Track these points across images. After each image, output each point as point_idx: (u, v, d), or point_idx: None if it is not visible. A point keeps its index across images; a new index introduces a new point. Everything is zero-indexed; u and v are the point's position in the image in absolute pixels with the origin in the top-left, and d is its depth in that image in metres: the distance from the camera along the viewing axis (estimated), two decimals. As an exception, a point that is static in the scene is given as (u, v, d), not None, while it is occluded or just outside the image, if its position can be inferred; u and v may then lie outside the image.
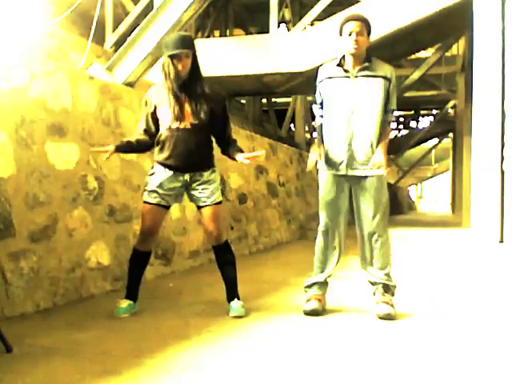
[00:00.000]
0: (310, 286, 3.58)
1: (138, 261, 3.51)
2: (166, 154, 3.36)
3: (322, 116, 3.55)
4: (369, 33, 3.38)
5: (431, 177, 43.22)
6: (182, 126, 3.32)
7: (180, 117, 3.31)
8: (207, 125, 3.39)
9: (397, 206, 28.50)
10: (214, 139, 3.54)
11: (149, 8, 9.21)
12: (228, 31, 14.19)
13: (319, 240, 3.56)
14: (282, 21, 13.13)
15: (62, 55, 8.46)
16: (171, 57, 3.28)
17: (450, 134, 26.26)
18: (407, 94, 18.76)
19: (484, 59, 5.37)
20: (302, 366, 2.47)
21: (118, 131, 4.45)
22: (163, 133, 3.36)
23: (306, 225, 9.83)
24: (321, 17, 10.17)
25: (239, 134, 7.19)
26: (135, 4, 10.83)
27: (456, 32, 13.67)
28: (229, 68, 10.64)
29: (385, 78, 3.38)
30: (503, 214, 5.15)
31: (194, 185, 3.41)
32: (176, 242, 5.26)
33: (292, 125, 16.77)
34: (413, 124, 29.61)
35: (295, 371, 2.40)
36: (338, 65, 3.42)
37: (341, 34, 3.38)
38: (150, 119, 3.43)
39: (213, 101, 3.41)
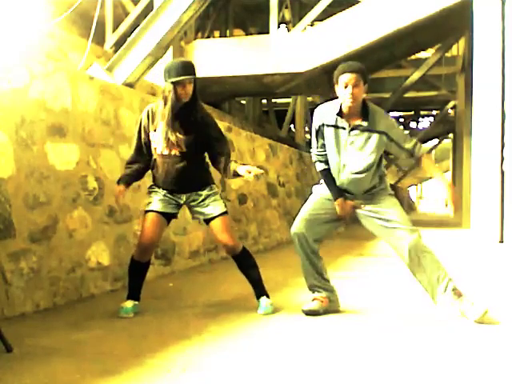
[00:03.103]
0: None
1: (138, 270, 3.51)
2: (160, 179, 3.43)
3: (321, 161, 3.53)
4: (365, 82, 3.32)
5: (431, 177, 43.21)
6: (172, 152, 3.36)
7: (171, 145, 3.34)
8: (198, 150, 3.44)
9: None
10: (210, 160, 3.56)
11: (149, 8, 9.21)
12: (228, 31, 14.18)
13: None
14: (282, 21, 13.12)
15: (61, 55, 8.46)
16: (174, 84, 3.28)
17: (450, 135, 26.28)
18: (407, 95, 18.76)
19: (484, 59, 5.38)
20: (301, 366, 2.47)
21: (118, 132, 4.46)
22: (156, 158, 3.41)
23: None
24: (321, 17, 10.17)
25: (240, 135, 7.19)
26: (135, 4, 10.83)
27: (456, 32, 13.69)
28: (229, 68, 10.64)
29: (380, 132, 3.35)
30: (503, 214, 5.16)
31: (194, 203, 3.46)
32: (176, 241, 5.26)
33: (292, 125, 16.78)
34: (413, 124, 29.62)
35: (295, 371, 2.40)
36: (337, 114, 3.37)
37: (337, 83, 3.33)
38: (143, 138, 3.44)
39: (207, 125, 3.45)
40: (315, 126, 3.48)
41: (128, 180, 3.48)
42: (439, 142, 27.91)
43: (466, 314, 3.31)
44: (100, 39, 10.23)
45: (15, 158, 3.37)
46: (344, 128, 3.37)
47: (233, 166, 3.40)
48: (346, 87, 3.27)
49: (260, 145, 7.94)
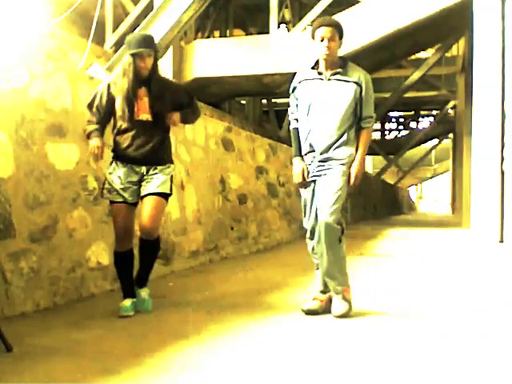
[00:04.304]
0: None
1: (122, 262, 3.50)
2: (122, 147, 3.44)
3: (296, 120, 3.58)
4: (341, 37, 3.43)
5: (431, 177, 43.24)
6: (140, 118, 3.40)
7: (126, 117, 3.37)
8: (163, 119, 3.46)
9: (397, 207, 28.53)
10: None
11: (149, 8, 9.22)
12: (228, 31, 14.19)
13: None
14: (282, 21, 13.13)
15: (61, 55, 8.45)
16: (133, 56, 3.34)
17: (450, 135, 26.28)
18: (407, 95, 18.77)
19: (484, 59, 5.38)
20: (301, 366, 2.47)
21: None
22: (121, 125, 3.42)
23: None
24: (321, 17, 10.16)
25: (240, 135, 7.19)
26: (135, 4, 10.83)
27: (456, 32, 13.70)
28: (229, 68, 10.65)
29: (356, 83, 3.42)
30: (503, 214, 5.16)
31: (147, 177, 3.45)
32: (176, 241, 5.26)
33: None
34: (413, 124, 29.64)
35: (294, 370, 2.40)
36: (312, 68, 3.48)
37: (313, 39, 3.43)
38: (105, 100, 3.44)
39: (175, 93, 3.54)
40: (293, 86, 3.56)
41: (99, 134, 3.44)
42: (439, 142, 27.90)
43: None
44: (100, 39, 10.23)
45: (15, 158, 3.37)
46: (322, 79, 3.43)
47: (180, 113, 3.52)
48: (322, 40, 3.36)
49: (260, 145, 7.94)
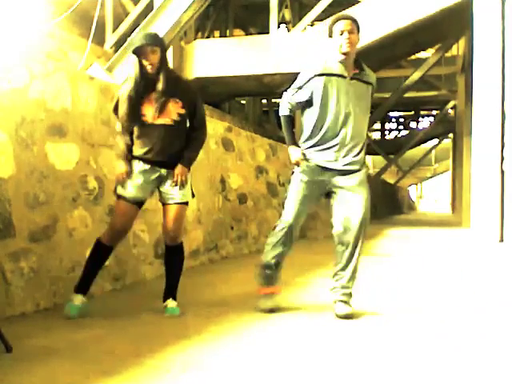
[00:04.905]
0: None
1: (100, 254, 3.41)
2: (143, 149, 3.36)
3: (291, 109, 3.50)
4: (358, 31, 3.35)
5: (431, 177, 43.25)
6: (158, 122, 3.32)
7: (129, 119, 3.31)
8: (181, 122, 3.38)
9: (397, 206, 28.52)
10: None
11: (149, 8, 9.22)
12: (228, 31, 14.19)
13: None
14: (282, 21, 13.13)
15: (61, 55, 8.46)
16: (137, 54, 3.27)
17: (450, 135, 26.28)
18: (407, 95, 18.76)
19: (484, 59, 5.37)
20: (301, 366, 2.47)
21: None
22: (140, 127, 3.36)
23: (305, 224, 9.83)
24: (321, 17, 10.18)
25: (240, 135, 7.19)
26: (135, 4, 10.83)
27: (456, 32, 13.69)
28: (229, 68, 10.65)
29: (372, 85, 3.43)
30: (503, 213, 5.15)
31: (168, 181, 3.40)
32: (176, 242, 5.25)
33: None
34: (413, 124, 29.63)
35: (294, 371, 2.40)
36: (338, 61, 3.34)
37: (331, 35, 3.33)
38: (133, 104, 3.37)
39: (185, 99, 3.39)
40: (306, 76, 3.39)
41: (125, 156, 3.40)
42: (439, 142, 27.89)
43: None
44: (100, 39, 10.23)
45: (15, 158, 3.37)
46: (344, 77, 3.34)
47: (186, 158, 3.38)
48: (341, 34, 3.26)
49: (260, 145, 7.93)
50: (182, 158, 3.40)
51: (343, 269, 3.43)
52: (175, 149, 3.39)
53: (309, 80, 3.39)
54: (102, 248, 3.41)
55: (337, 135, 3.37)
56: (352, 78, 3.35)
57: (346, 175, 3.38)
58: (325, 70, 3.36)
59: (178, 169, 3.37)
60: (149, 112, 3.33)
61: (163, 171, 3.40)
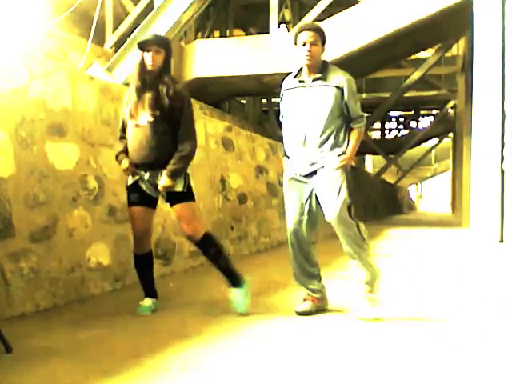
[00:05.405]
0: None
1: (142, 264, 3.57)
2: (129, 150, 3.44)
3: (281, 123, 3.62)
4: (323, 42, 3.37)
5: (431, 177, 43.26)
6: (138, 122, 3.35)
7: (133, 114, 3.36)
8: (165, 122, 3.35)
9: (397, 206, 28.52)
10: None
11: (149, 8, 9.22)
12: (228, 31, 14.18)
13: None
14: (282, 21, 13.12)
15: (61, 55, 8.46)
16: (142, 51, 3.34)
17: (450, 134, 26.28)
18: (407, 94, 18.75)
19: (484, 59, 5.37)
20: (300, 366, 2.47)
21: (117, 131, 4.44)
22: (128, 127, 3.45)
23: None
24: (321, 17, 10.17)
25: (239, 134, 7.19)
26: (135, 4, 10.83)
27: (456, 32, 13.69)
28: (229, 68, 10.65)
29: (337, 87, 3.36)
30: (503, 214, 5.15)
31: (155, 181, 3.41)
32: (176, 241, 5.26)
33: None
34: (413, 124, 29.61)
35: (294, 371, 2.40)
36: (294, 77, 3.47)
37: (296, 44, 3.38)
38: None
39: (175, 100, 3.36)
40: (281, 94, 3.56)
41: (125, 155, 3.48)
42: (439, 142, 27.89)
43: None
44: (100, 39, 10.23)
45: (15, 158, 3.37)
46: (304, 86, 3.41)
47: (167, 171, 3.31)
48: (303, 45, 3.32)
49: (260, 144, 7.93)
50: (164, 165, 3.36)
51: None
52: (152, 150, 3.33)
53: (281, 97, 3.57)
54: (138, 259, 3.55)
55: (301, 141, 3.41)
56: (314, 81, 3.38)
57: (318, 174, 3.41)
58: (287, 84, 3.50)
59: (162, 180, 3.35)
60: (139, 113, 3.37)
61: (146, 175, 3.41)
